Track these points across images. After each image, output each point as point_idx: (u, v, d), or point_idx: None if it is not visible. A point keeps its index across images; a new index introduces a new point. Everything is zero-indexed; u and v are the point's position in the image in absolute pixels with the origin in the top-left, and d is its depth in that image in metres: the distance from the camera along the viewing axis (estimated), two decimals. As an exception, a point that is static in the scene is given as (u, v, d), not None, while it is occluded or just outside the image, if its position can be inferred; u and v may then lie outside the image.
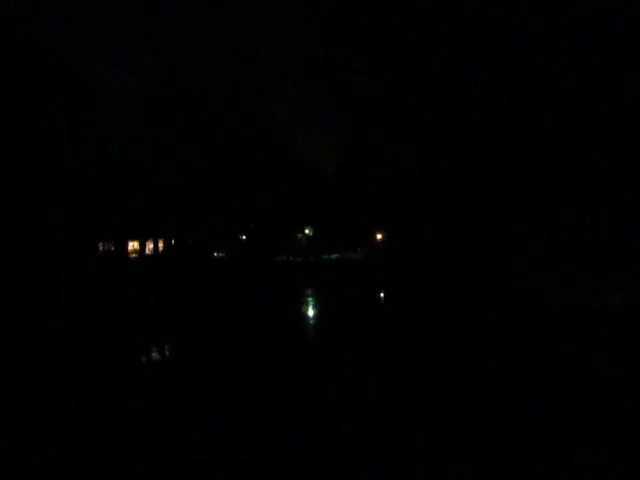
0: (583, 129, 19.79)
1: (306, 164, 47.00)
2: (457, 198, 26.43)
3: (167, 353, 14.57)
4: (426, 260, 29.92)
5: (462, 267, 26.34)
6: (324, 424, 8.27)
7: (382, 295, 25.59)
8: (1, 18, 25.22)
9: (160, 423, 8.54)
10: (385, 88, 27.51)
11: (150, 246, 38.98)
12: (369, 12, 25.70)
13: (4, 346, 14.99)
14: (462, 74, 23.62)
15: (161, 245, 39.82)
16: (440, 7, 23.55)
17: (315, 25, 29.59)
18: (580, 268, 18.74)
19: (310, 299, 23.95)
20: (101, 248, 33.08)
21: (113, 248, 33.85)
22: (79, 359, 13.45)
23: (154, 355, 14.23)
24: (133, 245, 37.37)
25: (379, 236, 41.44)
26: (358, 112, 28.85)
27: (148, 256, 37.97)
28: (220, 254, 42.90)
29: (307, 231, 49.09)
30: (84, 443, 7.76)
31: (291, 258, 41.00)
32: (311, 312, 20.27)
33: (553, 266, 20.30)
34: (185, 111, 37.56)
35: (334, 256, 41.42)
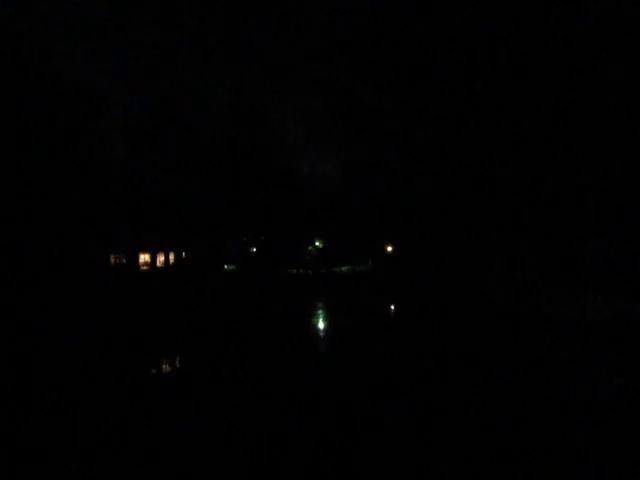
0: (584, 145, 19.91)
1: (316, 177, 47.29)
2: (465, 211, 26.54)
3: (175, 366, 14.58)
4: (435, 272, 29.90)
5: (471, 279, 26.31)
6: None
7: (392, 307, 25.66)
8: (3, 27, 25.59)
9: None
10: (392, 105, 27.82)
11: (161, 258, 39.12)
12: (374, 32, 26.11)
13: (14, 356, 15.12)
14: (467, 91, 23.92)
15: (172, 257, 40.02)
16: (443, 26, 23.91)
17: (321, 44, 30.08)
18: (578, 283, 18.75)
19: (321, 311, 24.05)
20: (112, 261, 33.26)
21: (124, 260, 34.05)
22: (88, 369, 13.58)
23: (162, 368, 14.19)
24: (144, 257, 37.50)
25: (389, 248, 41.54)
26: (366, 128, 29.20)
27: (159, 268, 38.13)
28: (231, 266, 43.07)
29: (317, 243, 49.31)
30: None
31: (301, 270, 41.06)
32: (322, 324, 20.44)
33: (555, 281, 20.32)
34: (194, 125, 38.09)
35: (345, 268, 41.43)
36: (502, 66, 22.71)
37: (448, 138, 26.04)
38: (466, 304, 23.87)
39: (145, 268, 36.76)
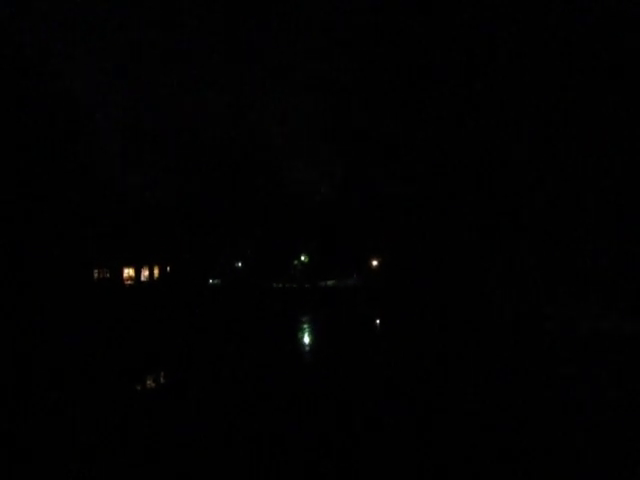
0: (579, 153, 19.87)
1: (302, 192, 47.28)
2: (465, 211, 26.46)
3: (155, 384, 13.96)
4: (421, 285, 29.63)
5: (471, 280, 26.11)
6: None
7: (378, 322, 25.21)
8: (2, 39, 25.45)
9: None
10: (392, 106, 27.78)
11: (145, 273, 38.65)
12: (374, 32, 26.11)
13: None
14: (467, 91, 23.93)
15: (157, 272, 39.77)
16: (443, 26, 23.92)
17: (321, 44, 30.07)
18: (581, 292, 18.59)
19: (306, 326, 23.63)
20: (97, 275, 32.95)
21: (108, 275, 33.69)
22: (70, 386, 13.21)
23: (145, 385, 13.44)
24: (128, 272, 37.27)
25: (374, 262, 41.59)
26: (351, 145, 29.26)
27: (143, 283, 37.67)
28: (216, 281, 42.85)
29: (303, 258, 49.34)
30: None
31: (287, 285, 40.98)
32: (307, 339, 19.99)
33: (555, 281, 20.22)
34: (182, 140, 38.19)
35: (330, 282, 41.32)
36: (502, 66, 22.70)
37: (448, 138, 26.02)
38: (466, 305, 23.83)
39: (129, 282, 36.46)
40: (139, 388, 12.88)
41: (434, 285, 28.53)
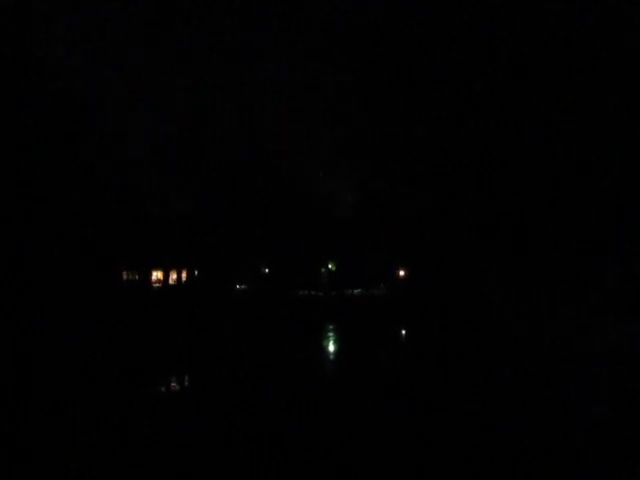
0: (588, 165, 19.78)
1: (329, 200, 47.39)
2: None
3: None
4: (447, 297, 29.42)
5: (485, 304, 25.84)
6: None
7: (404, 332, 25.16)
8: (8, 40, 25.50)
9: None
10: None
11: (173, 276, 39.07)
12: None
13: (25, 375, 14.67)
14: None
15: (184, 275, 40.02)
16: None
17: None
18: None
19: (331, 334, 23.61)
20: (125, 277, 33.27)
21: (137, 277, 34.03)
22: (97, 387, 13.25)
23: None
24: (157, 275, 37.52)
25: (402, 272, 41.27)
26: (375, 156, 29.21)
27: (171, 286, 38.08)
28: (242, 286, 43.11)
29: (330, 266, 49.28)
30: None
31: (313, 292, 40.87)
32: (332, 347, 19.94)
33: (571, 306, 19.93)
34: (207, 147, 38.48)
35: (357, 291, 41.09)
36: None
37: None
38: (472, 314, 23.88)
39: (157, 285, 36.82)
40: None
41: (447, 295, 28.37)
